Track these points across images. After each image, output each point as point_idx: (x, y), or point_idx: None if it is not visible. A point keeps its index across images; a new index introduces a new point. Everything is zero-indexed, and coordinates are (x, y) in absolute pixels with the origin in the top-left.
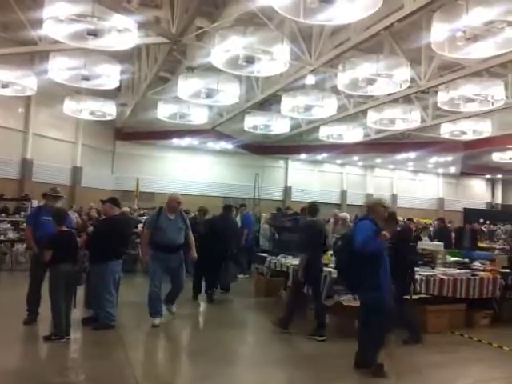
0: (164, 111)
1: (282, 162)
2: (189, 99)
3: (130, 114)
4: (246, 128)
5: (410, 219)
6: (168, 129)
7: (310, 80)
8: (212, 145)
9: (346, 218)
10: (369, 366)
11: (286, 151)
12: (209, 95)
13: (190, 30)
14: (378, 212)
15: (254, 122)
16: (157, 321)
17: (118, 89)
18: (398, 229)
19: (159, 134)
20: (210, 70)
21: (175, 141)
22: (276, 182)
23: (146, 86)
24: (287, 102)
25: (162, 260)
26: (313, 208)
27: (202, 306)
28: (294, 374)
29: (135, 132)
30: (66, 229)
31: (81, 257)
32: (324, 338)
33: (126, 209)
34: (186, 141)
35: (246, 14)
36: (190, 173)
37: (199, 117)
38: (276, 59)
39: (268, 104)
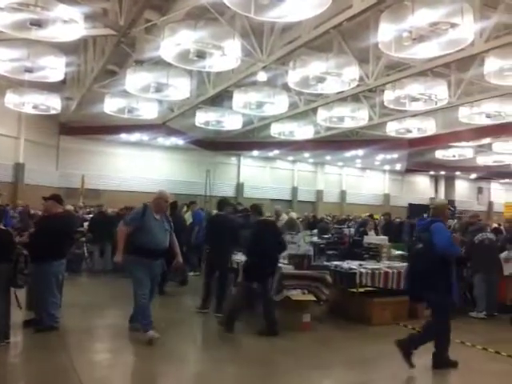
0: (111, 105)
1: (234, 159)
2: (137, 93)
3: (76, 107)
4: (197, 124)
5: (370, 215)
6: (116, 123)
7: (262, 77)
8: (162, 140)
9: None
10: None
11: (239, 147)
12: (158, 89)
13: (139, 23)
14: (446, 214)
15: (205, 118)
16: (154, 333)
17: (63, 82)
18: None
19: (106, 129)
20: (159, 63)
21: (123, 136)
22: (228, 178)
23: (93, 79)
24: (239, 99)
25: (145, 266)
26: (257, 207)
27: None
28: (243, 372)
29: (81, 127)
30: (3, 227)
31: (17, 256)
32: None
33: (69, 206)
34: (135, 136)
35: (196, 8)
36: (139, 169)
37: (149, 111)
38: (227, 55)
39: (220, 100)
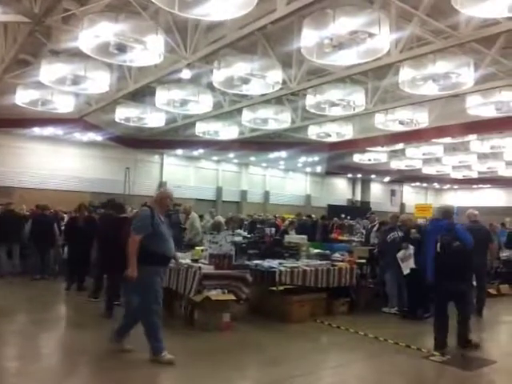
0: (23, 97)
1: (157, 157)
2: (52, 85)
3: None
4: (117, 119)
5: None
6: (28, 116)
7: (186, 74)
8: (79, 136)
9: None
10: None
11: (162, 146)
12: (75, 82)
13: (56, 12)
14: (452, 217)
15: (126, 114)
16: (169, 355)
17: None
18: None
19: (17, 122)
20: (77, 55)
21: (37, 130)
22: (151, 177)
23: (4, 68)
24: (162, 95)
25: (160, 276)
26: (113, 203)
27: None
28: (156, 375)
29: None
30: None
31: None
32: None
33: None
34: (49, 130)
35: (118, 0)
36: (53, 165)
37: (64, 105)
38: (149, 49)
39: (142, 96)
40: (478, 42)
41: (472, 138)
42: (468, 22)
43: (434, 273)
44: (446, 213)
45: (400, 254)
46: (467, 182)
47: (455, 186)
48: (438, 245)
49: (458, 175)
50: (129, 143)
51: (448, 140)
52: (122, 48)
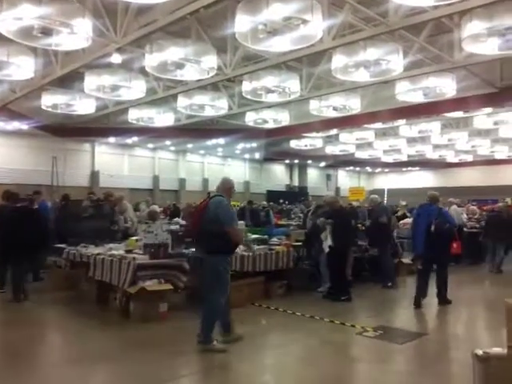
0: None
1: (87, 146)
2: None
3: None
4: (43, 107)
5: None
6: None
7: (116, 59)
8: (3, 125)
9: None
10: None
11: (92, 134)
12: None
13: None
14: (438, 202)
15: (53, 101)
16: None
17: None
18: None
19: None
20: None
21: None
22: (81, 166)
23: None
24: (91, 81)
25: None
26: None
27: None
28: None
29: None
30: None
31: None
32: None
33: None
34: None
35: None
36: None
37: None
38: (77, 33)
39: (70, 82)
40: (406, 29)
41: (401, 122)
42: (397, 10)
43: (424, 247)
44: (434, 199)
45: (322, 235)
46: (397, 165)
47: (386, 170)
48: (433, 226)
49: (389, 159)
50: (57, 132)
51: (379, 125)
52: (46, 31)
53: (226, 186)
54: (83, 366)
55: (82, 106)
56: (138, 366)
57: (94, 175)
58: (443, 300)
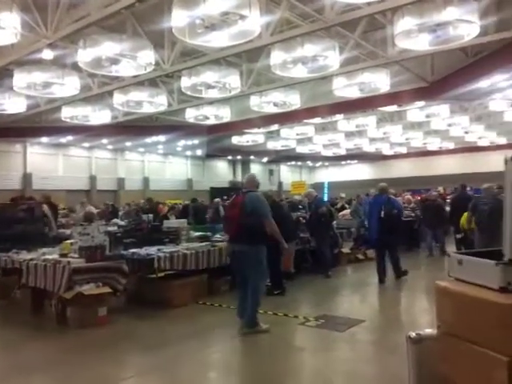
0: None
1: (18, 146)
2: None
3: None
4: None
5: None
6: None
7: (48, 55)
8: None
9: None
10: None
11: (24, 134)
12: None
13: None
14: (388, 192)
15: None
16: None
17: None
18: None
19: None
20: None
21: None
22: (12, 168)
23: None
24: (21, 78)
25: None
26: None
27: None
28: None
29: None
30: None
31: None
32: None
33: None
34: None
35: None
36: None
37: None
38: (4, 28)
39: None
40: (342, 26)
41: (339, 117)
42: (332, 6)
43: (378, 230)
44: (383, 190)
45: None
46: (337, 159)
47: (326, 163)
48: (383, 212)
49: (329, 153)
50: None
51: (318, 120)
52: None
53: (255, 183)
54: (16, 378)
55: (12, 104)
56: (78, 371)
57: (27, 177)
58: (399, 273)
